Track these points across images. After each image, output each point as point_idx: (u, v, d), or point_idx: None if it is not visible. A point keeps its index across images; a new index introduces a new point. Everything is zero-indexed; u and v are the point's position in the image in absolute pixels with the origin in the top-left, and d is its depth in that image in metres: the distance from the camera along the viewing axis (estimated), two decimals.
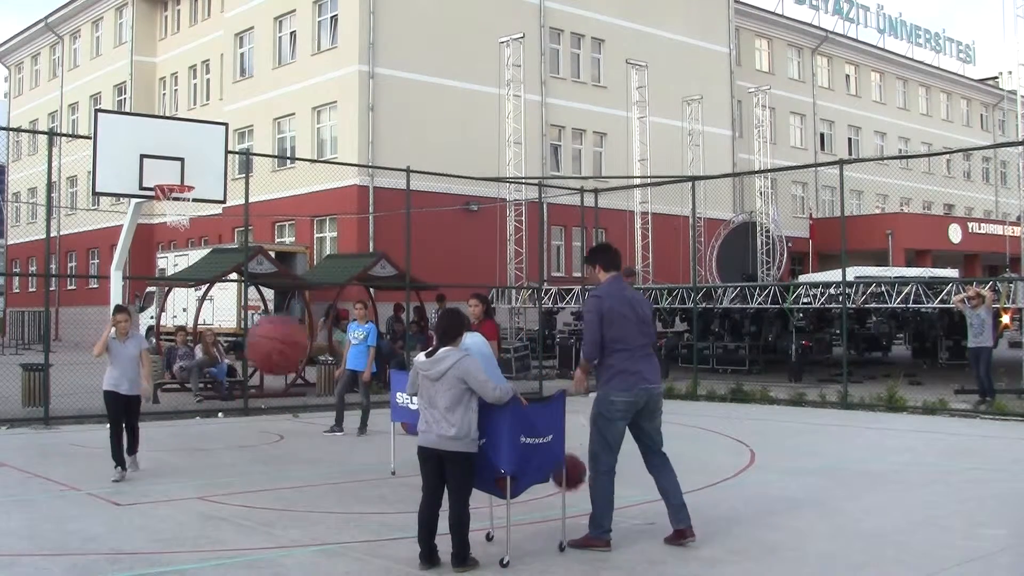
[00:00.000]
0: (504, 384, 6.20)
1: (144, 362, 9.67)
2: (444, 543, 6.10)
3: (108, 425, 9.58)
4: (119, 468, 9.35)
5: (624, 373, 6.64)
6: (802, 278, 26.85)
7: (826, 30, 48.69)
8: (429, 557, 6.06)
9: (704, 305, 21.55)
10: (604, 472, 6.69)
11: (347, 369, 13.03)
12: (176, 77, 42.31)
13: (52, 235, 17.51)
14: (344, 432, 12.84)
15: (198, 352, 17.94)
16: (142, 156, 13.33)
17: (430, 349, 6.27)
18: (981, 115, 60.94)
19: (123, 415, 9.54)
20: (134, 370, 9.52)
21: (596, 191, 21.25)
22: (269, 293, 23.21)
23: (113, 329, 9.54)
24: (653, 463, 6.87)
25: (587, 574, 6.12)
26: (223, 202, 14.73)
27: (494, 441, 6.10)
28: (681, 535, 6.71)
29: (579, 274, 27.91)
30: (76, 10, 46.91)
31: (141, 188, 13.41)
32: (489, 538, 6.76)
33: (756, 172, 34.30)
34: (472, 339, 9.61)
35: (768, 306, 20.92)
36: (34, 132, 45.19)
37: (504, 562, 6.12)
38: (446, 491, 6.13)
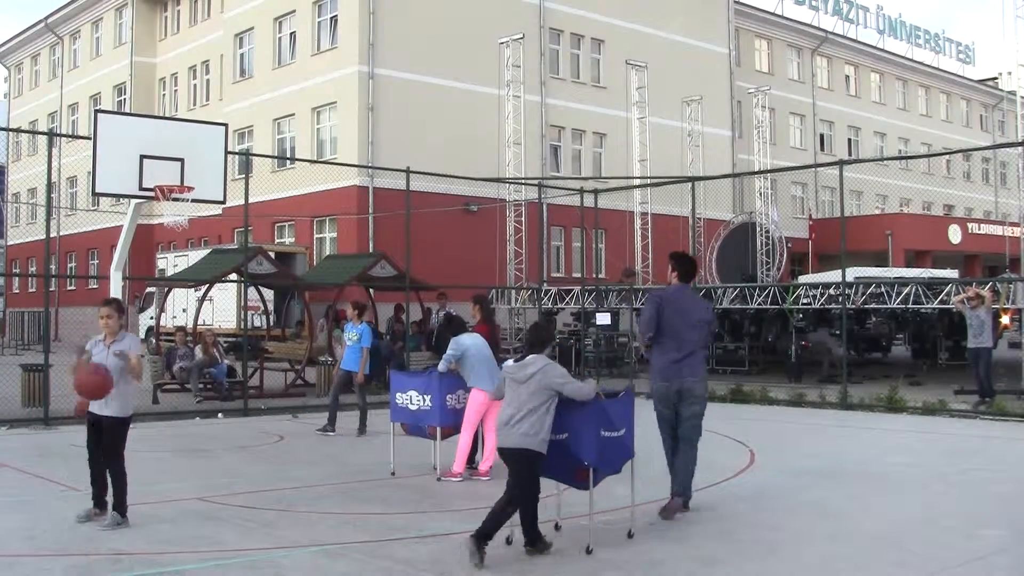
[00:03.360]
0: (585, 384, 6.78)
1: (134, 370, 7.24)
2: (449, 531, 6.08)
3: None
4: (93, 509, 7.26)
5: (660, 367, 7.80)
6: (802, 279, 26.84)
7: (826, 31, 48.69)
8: (539, 541, 6.45)
9: None
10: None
11: (341, 369, 13.10)
12: (176, 77, 42.30)
13: (52, 235, 17.49)
14: (336, 432, 12.83)
15: (198, 353, 17.93)
16: (142, 156, 13.30)
17: (519, 355, 6.75)
18: (981, 115, 60.93)
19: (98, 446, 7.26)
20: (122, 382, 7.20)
21: (596, 191, 21.24)
22: (269, 294, 23.21)
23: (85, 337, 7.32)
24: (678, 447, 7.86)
25: (587, 574, 6.12)
26: (223, 203, 14.70)
27: (577, 435, 6.49)
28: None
29: (579, 274, 27.88)
30: (76, 10, 46.89)
31: (141, 188, 13.38)
32: (557, 528, 6.99)
33: (756, 173, 34.29)
34: (472, 340, 9.66)
35: (768, 307, 20.92)
36: (34, 132, 45.16)
37: (589, 549, 6.49)
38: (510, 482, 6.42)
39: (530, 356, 6.63)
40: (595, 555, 6.48)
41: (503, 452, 6.51)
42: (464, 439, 9.42)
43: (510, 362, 6.73)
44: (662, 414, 7.89)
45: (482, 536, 6.14)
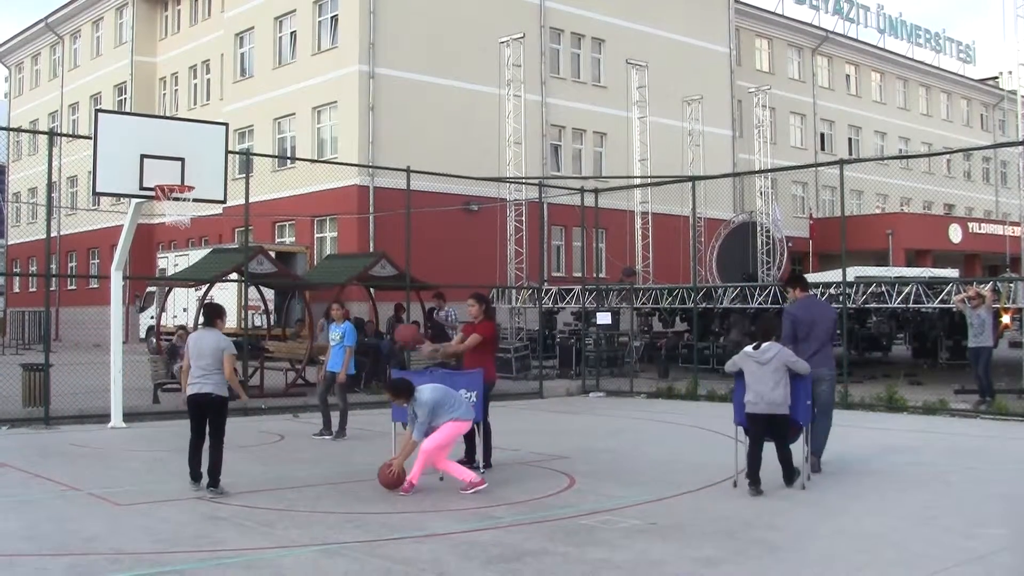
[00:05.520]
0: (803, 361, 8.85)
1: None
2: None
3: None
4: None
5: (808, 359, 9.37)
6: None
7: (826, 30, 48.68)
8: (757, 483, 8.59)
9: (704, 305, 21.54)
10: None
11: (326, 371, 13.02)
12: (176, 77, 42.31)
13: (52, 235, 17.48)
14: (333, 435, 12.78)
15: None
16: (142, 156, 13.29)
17: (756, 343, 8.84)
18: (981, 115, 60.91)
19: None
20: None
21: (596, 191, 21.23)
22: (269, 293, 23.20)
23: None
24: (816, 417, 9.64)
25: (587, 574, 6.12)
26: (223, 202, 14.70)
27: (795, 403, 8.73)
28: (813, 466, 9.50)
29: (579, 274, 27.86)
30: (76, 10, 46.90)
31: (141, 188, 13.37)
32: (735, 484, 8.82)
33: (756, 172, 34.27)
34: (431, 390, 8.87)
35: (768, 306, 20.89)
36: (34, 132, 45.19)
37: (803, 485, 8.81)
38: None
39: (765, 343, 8.77)
40: (595, 555, 6.48)
41: (769, 418, 8.64)
42: (442, 465, 8.89)
43: (749, 348, 8.85)
44: None
45: (790, 479, 8.77)
